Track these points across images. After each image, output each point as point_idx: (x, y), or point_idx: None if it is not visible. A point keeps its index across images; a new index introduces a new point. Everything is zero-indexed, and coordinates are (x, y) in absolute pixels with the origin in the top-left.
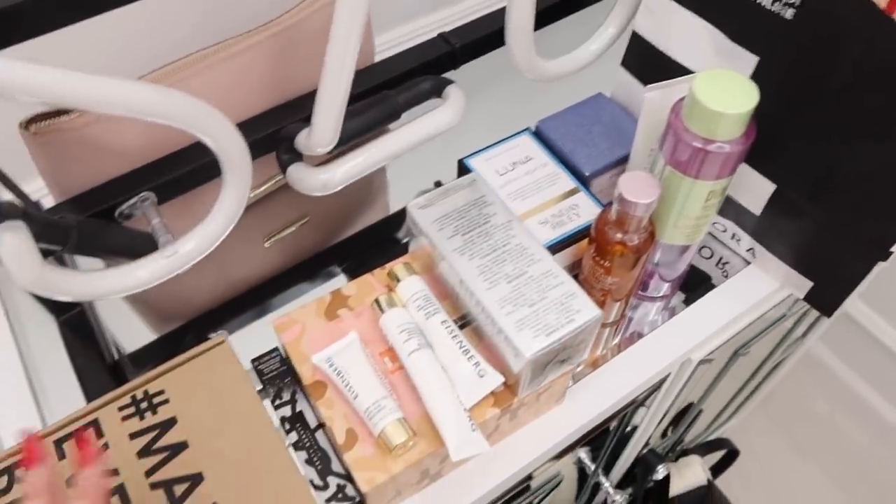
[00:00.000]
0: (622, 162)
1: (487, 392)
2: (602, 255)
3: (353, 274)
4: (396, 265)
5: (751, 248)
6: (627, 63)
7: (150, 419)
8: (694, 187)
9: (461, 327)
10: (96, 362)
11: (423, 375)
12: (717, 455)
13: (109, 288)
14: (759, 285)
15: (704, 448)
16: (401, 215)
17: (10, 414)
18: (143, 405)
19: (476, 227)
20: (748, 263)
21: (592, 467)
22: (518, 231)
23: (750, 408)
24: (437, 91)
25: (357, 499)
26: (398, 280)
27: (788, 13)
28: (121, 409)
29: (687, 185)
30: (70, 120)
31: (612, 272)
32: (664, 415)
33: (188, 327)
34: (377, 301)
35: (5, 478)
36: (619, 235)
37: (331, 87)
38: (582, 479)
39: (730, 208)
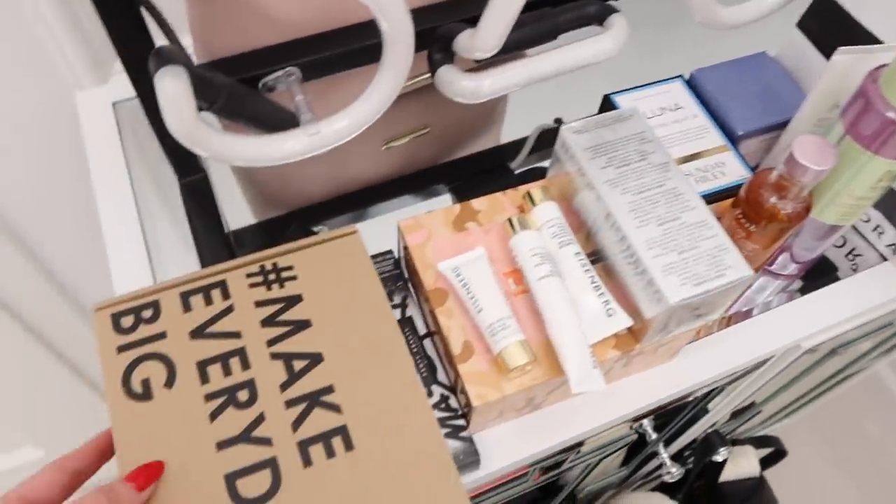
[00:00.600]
0: (778, 127)
1: (613, 332)
2: (749, 218)
3: (459, 196)
4: (534, 188)
5: (892, 244)
6: (805, 25)
7: (276, 291)
8: (870, 164)
9: (592, 263)
10: (214, 230)
11: (550, 303)
12: (764, 451)
13: (252, 154)
14: (893, 286)
15: (756, 442)
16: (515, 145)
17: (125, 270)
18: (272, 276)
19: (632, 163)
20: (884, 260)
21: (654, 436)
22: (675, 175)
23: (804, 413)
24: (601, 18)
25: (459, 412)
26: (534, 203)
27: None
28: (249, 275)
29: (863, 160)
30: None
31: (753, 237)
32: (747, 398)
33: (291, 217)
34: (510, 220)
35: (151, 309)
36: (773, 200)
37: None
38: (636, 445)
39: (882, 197)
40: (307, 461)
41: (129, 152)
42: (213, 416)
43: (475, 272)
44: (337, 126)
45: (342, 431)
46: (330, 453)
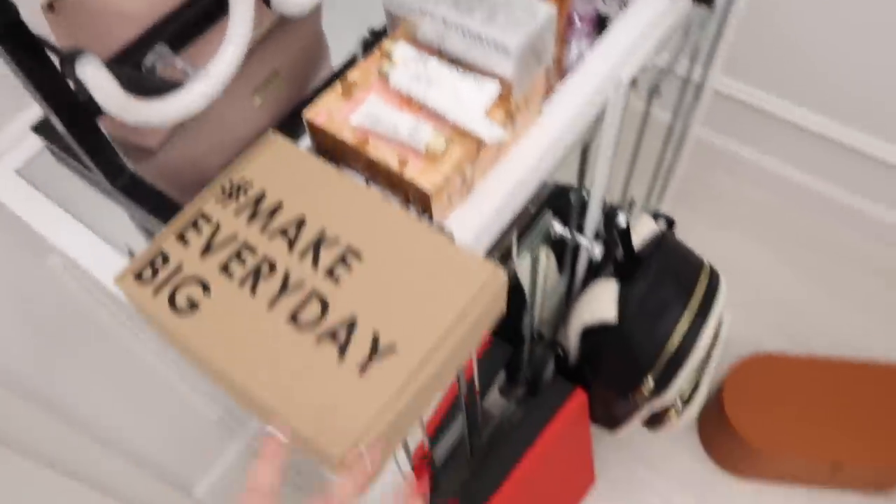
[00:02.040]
0: None
1: (492, 98)
2: None
3: None
4: (384, 42)
5: None
6: None
7: (244, 198)
8: None
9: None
10: (165, 205)
11: (443, 99)
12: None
13: (176, 109)
14: (655, 4)
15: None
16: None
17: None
18: (234, 190)
19: None
20: None
21: (567, 232)
22: None
23: (670, 195)
24: None
25: (420, 213)
26: (391, 52)
27: None
28: (217, 199)
29: None
30: None
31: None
32: (612, 166)
33: None
34: (380, 70)
35: (160, 257)
36: None
37: None
38: (560, 258)
39: None
40: (336, 279)
41: (55, 199)
42: (253, 290)
43: (379, 109)
44: (221, 60)
45: (349, 250)
46: (348, 267)
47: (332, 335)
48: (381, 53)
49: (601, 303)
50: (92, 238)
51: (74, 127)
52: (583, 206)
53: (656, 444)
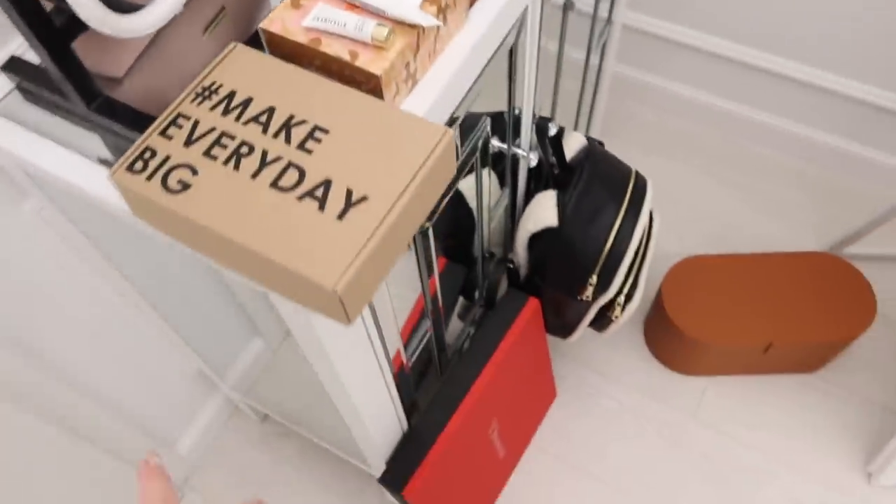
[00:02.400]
0: None
1: None
2: None
3: None
4: None
5: None
6: None
7: (216, 97)
8: None
9: None
10: (142, 119)
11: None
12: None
13: (151, 20)
14: None
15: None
16: None
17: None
18: (207, 92)
19: None
20: None
21: (504, 145)
22: None
23: (596, 128)
24: None
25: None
26: None
27: None
28: (192, 100)
29: None
30: None
31: None
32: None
33: None
34: None
35: (148, 151)
36: None
37: None
38: (502, 177)
39: None
40: (308, 151)
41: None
42: (237, 168)
43: (326, 13)
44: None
45: (316, 127)
46: (317, 141)
47: (311, 194)
48: None
49: (542, 210)
50: (72, 155)
51: (53, 51)
52: (516, 123)
53: (607, 353)
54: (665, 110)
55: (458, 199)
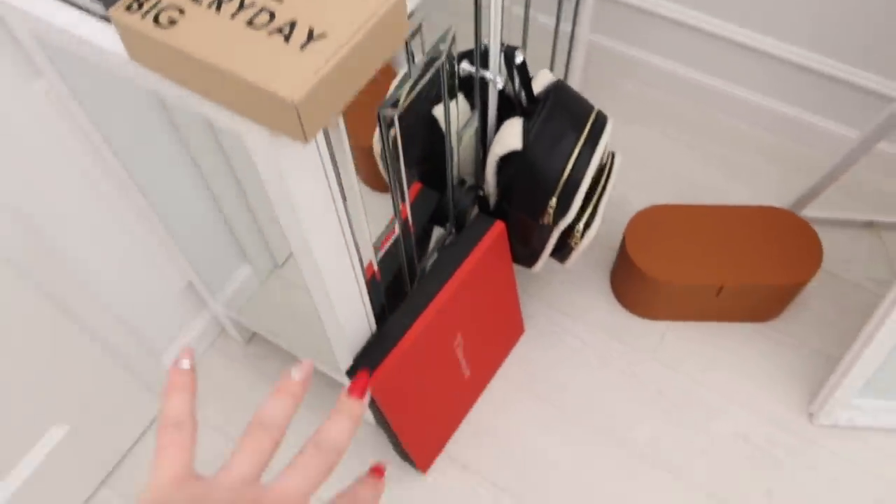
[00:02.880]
0: None
1: None
2: None
3: None
4: None
5: None
6: None
7: None
8: None
9: None
10: None
11: None
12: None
13: None
14: None
15: None
16: None
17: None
18: None
19: None
20: None
21: (472, 69)
22: None
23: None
24: None
25: None
26: None
27: None
28: None
29: None
30: None
31: None
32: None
33: None
34: None
35: None
36: None
37: None
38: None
39: None
40: (279, 1)
41: None
42: (218, 9)
43: None
44: None
45: None
46: None
47: (279, 30)
48: None
49: (509, 136)
50: (79, 13)
51: None
52: (485, 52)
53: (574, 296)
54: (643, 82)
55: (432, 123)
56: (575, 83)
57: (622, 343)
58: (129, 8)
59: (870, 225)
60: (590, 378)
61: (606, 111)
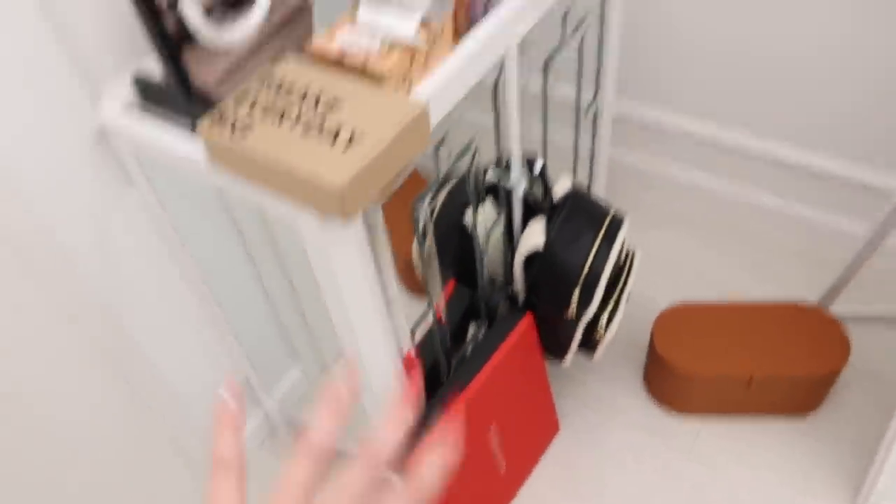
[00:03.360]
0: None
1: (418, 21)
2: None
3: None
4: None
5: None
6: None
7: (272, 84)
8: None
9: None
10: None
11: (388, 25)
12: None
13: (233, 36)
14: None
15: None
16: None
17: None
18: (264, 81)
19: None
20: None
21: (498, 175)
22: None
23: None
24: None
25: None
26: (357, 7)
27: None
28: (255, 85)
29: None
30: None
31: None
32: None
33: None
34: (351, 17)
35: (221, 114)
36: None
37: None
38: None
39: None
40: (329, 111)
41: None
42: (280, 122)
43: (349, 36)
44: (254, 13)
45: (335, 99)
46: (335, 107)
47: (327, 136)
48: (351, 8)
49: (533, 235)
50: (171, 130)
51: (169, 53)
52: (507, 163)
53: (608, 394)
54: (666, 191)
55: (462, 228)
56: (599, 193)
57: (657, 442)
58: (211, 124)
59: None
60: (626, 478)
61: (631, 219)
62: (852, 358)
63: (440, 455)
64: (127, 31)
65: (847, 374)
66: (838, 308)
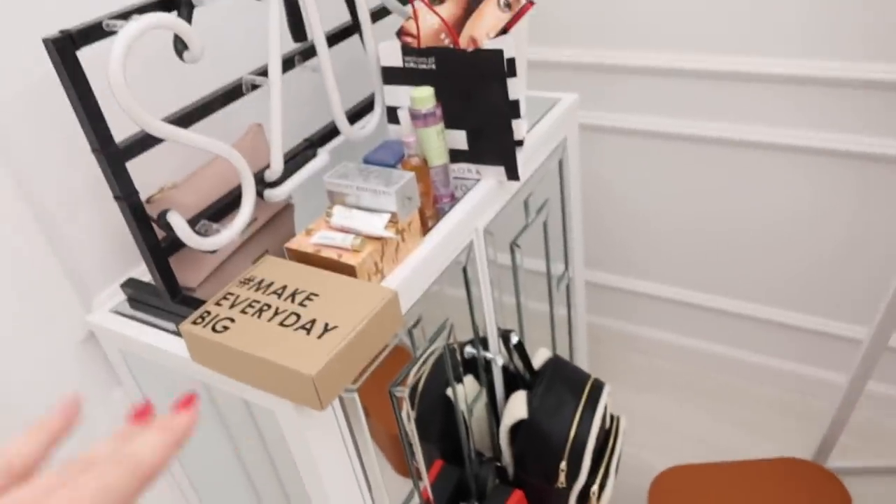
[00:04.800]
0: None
1: (386, 219)
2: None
3: None
4: (328, 208)
5: (476, 170)
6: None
7: (252, 283)
8: (426, 131)
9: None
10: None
11: (359, 224)
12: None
13: (217, 243)
14: (488, 183)
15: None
16: None
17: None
18: (251, 282)
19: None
20: (477, 181)
21: (477, 351)
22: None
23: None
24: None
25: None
26: (331, 209)
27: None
28: (241, 283)
29: (426, 132)
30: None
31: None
32: (494, 300)
33: None
34: (325, 219)
35: (207, 314)
36: (414, 160)
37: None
38: (469, 366)
39: (456, 155)
40: (304, 306)
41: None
42: (259, 317)
43: (325, 235)
44: (236, 224)
45: (311, 294)
46: (311, 300)
47: (303, 327)
48: (326, 213)
49: (515, 407)
50: (155, 331)
51: (158, 259)
52: (484, 339)
53: None
54: (648, 353)
55: (446, 403)
56: (582, 361)
57: None
58: (194, 322)
59: None
60: None
61: (616, 383)
62: None
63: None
64: (121, 247)
65: None
66: (834, 462)
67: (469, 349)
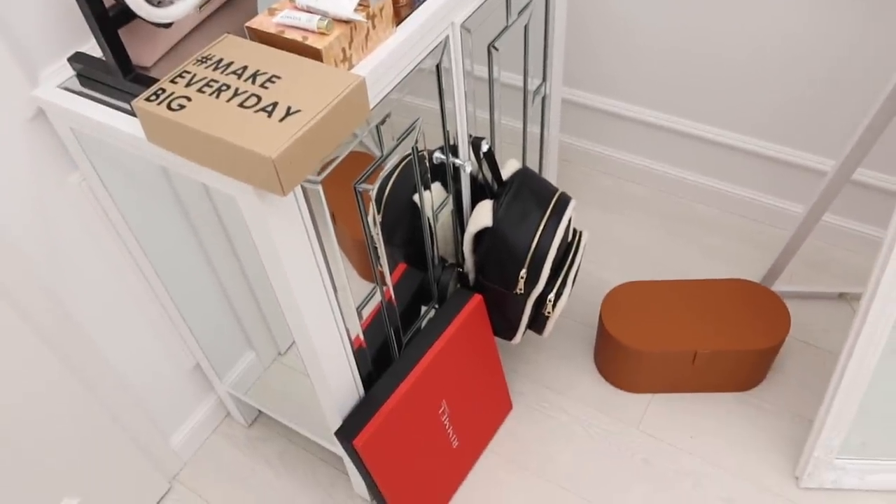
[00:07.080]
0: None
1: (357, 2)
2: None
3: None
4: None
5: None
6: None
7: (210, 62)
8: None
9: None
10: None
11: (327, 4)
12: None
13: (174, 14)
14: None
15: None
16: None
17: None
18: (205, 59)
19: None
20: None
21: (446, 157)
22: None
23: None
24: None
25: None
26: None
27: None
28: (196, 62)
29: None
30: None
31: None
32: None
33: None
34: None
35: (162, 91)
36: None
37: None
38: (438, 172)
39: None
40: (265, 88)
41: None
42: (217, 96)
43: (289, 14)
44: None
45: (273, 76)
46: (273, 83)
47: (264, 109)
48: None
49: (480, 215)
50: (108, 109)
51: (107, 35)
52: (454, 147)
53: (561, 373)
54: (617, 176)
55: (413, 208)
56: (551, 178)
57: (608, 416)
58: (148, 99)
59: (842, 296)
60: (578, 451)
61: (583, 203)
62: (792, 332)
63: None
64: (66, 15)
65: (787, 347)
66: (780, 286)
67: (438, 155)
